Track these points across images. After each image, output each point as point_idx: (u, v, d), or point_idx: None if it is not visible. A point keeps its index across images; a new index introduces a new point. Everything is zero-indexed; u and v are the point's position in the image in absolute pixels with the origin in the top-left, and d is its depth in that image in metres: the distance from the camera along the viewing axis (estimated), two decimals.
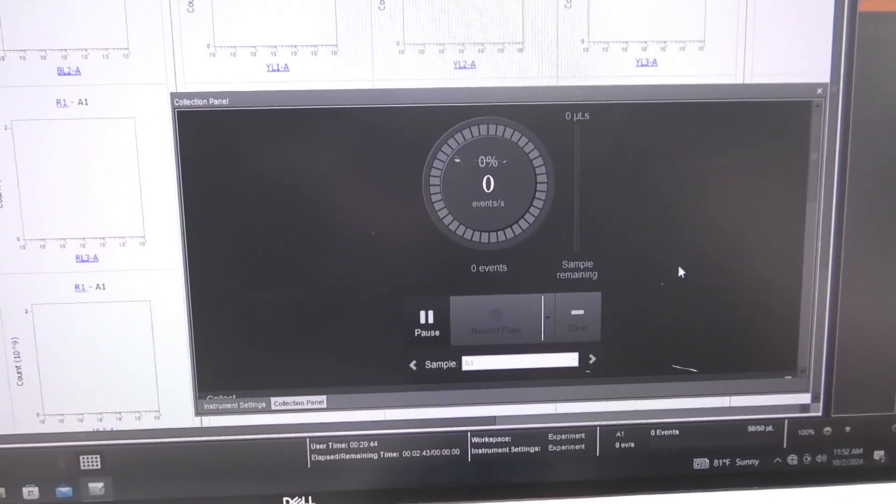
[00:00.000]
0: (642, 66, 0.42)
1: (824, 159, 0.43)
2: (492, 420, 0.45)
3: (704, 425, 0.46)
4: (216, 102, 0.41)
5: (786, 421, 0.46)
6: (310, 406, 0.44)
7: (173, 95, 0.40)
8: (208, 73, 0.40)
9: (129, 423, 0.44)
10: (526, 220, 0.43)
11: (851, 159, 0.43)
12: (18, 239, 0.41)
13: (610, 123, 0.42)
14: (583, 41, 0.41)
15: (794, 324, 0.45)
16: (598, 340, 0.44)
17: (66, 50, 0.40)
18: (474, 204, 0.43)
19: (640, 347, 0.44)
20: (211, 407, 0.44)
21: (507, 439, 0.45)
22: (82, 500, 0.44)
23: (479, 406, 0.45)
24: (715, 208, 0.43)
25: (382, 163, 0.42)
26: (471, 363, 0.44)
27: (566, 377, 0.45)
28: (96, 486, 0.44)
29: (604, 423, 0.45)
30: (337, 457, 0.45)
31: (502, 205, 0.43)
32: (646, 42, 0.42)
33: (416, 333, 0.43)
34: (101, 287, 0.42)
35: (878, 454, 0.47)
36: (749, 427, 0.46)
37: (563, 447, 0.45)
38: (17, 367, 0.43)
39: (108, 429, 0.44)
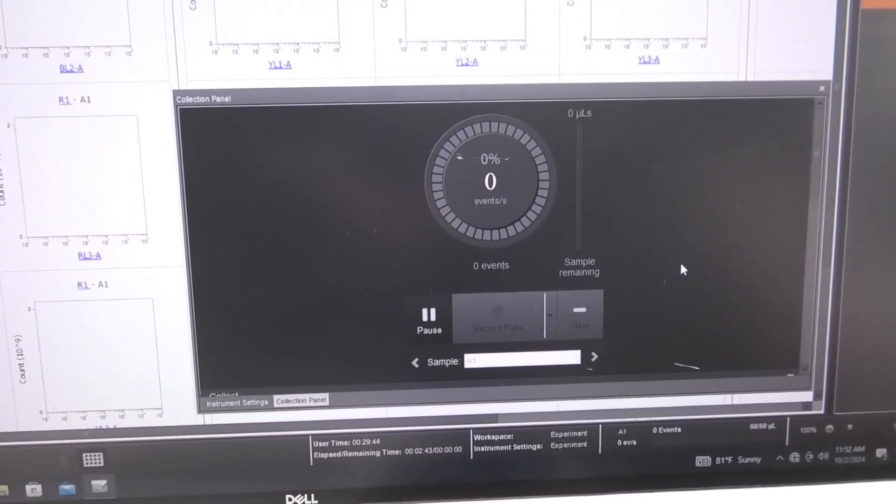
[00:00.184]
0: (645, 63, 0.41)
1: (826, 157, 0.43)
2: (494, 418, 0.45)
3: (706, 423, 0.45)
4: (218, 100, 0.40)
5: (788, 419, 0.46)
6: (312, 404, 0.44)
7: (176, 93, 0.40)
8: (211, 70, 0.40)
9: (131, 421, 0.43)
10: (528, 218, 0.42)
11: (854, 157, 0.43)
12: (21, 236, 0.41)
13: (612, 121, 0.42)
14: (585, 39, 0.41)
15: (796, 321, 0.44)
16: (600, 338, 0.44)
17: (68, 47, 0.39)
18: (476, 201, 0.42)
19: (643, 345, 0.44)
20: (214, 405, 0.43)
21: (509, 437, 0.45)
22: (85, 498, 0.44)
23: (482, 404, 0.44)
24: (717, 206, 0.43)
25: (385, 160, 0.41)
26: (473, 361, 0.44)
27: (568, 375, 0.44)
28: (99, 484, 0.44)
29: (606, 420, 0.45)
30: (339, 454, 0.44)
31: (504, 202, 0.42)
32: (648, 40, 0.41)
33: (418, 331, 0.43)
34: (104, 285, 0.42)
35: (881, 452, 0.46)
36: (751, 425, 0.45)
37: (566, 445, 0.45)
38: (20, 365, 0.42)
39: (111, 426, 0.43)
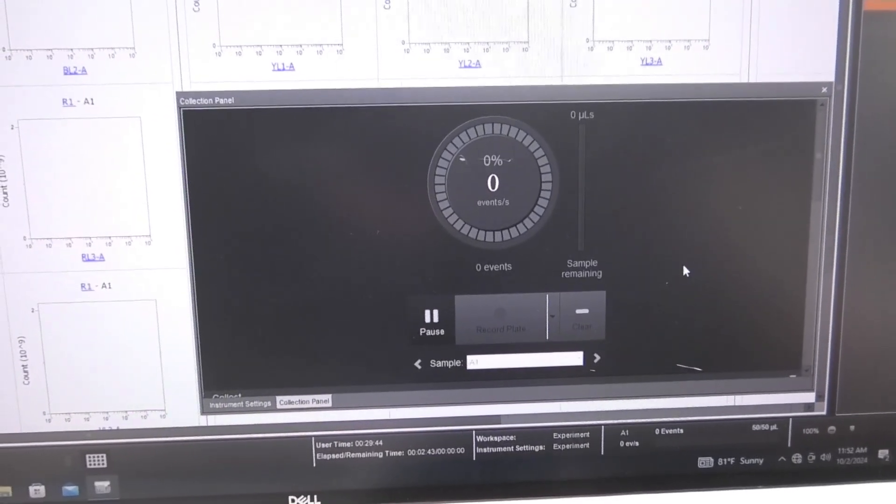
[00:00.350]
0: (647, 65, 0.41)
1: (829, 158, 0.42)
2: (497, 419, 0.44)
3: (709, 424, 0.45)
4: (222, 102, 0.40)
5: (790, 420, 0.45)
6: (315, 405, 0.43)
7: (179, 95, 0.40)
8: (214, 72, 0.40)
9: (135, 422, 0.43)
10: (531, 219, 0.42)
11: (856, 158, 0.42)
12: (25, 238, 0.41)
13: (615, 122, 0.41)
14: (588, 40, 0.40)
15: (799, 323, 0.44)
16: (602, 339, 0.43)
17: (72, 49, 0.39)
18: (479, 203, 0.42)
19: (645, 346, 0.44)
20: (217, 406, 0.43)
21: (511, 438, 0.44)
22: (88, 499, 0.44)
23: (484, 405, 0.44)
24: (720, 207, 0.42)
25: (387, 162, 0.41)
26: (476, 362, 0.43)
27: (571, 376, 0.44)
28: (102, 485, 0.43)
29: (608, 421, 0.45)
30: (342, 455, 0.44)
31: (507, 204, 0.42)
32: (650, 41, 0.41)
33: (421, 332, 0.43)
34: (108, 286, 0.41)
35: (883, 453, 0.46)
36: (753, 426, 0.45)
37: (568, 446, 0.45)
38: (24, 366, 0.42)
39: (114, 427, 0.43)
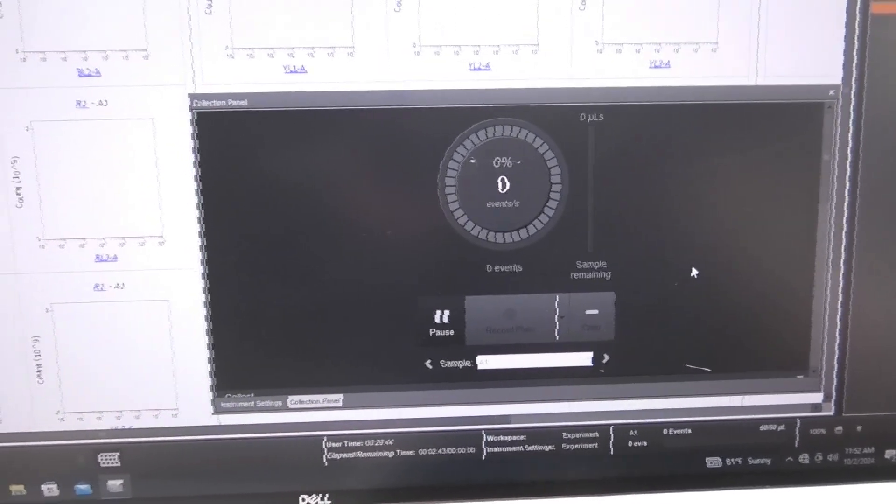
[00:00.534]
0: (656, 67, 0.41)
1: (836, 160, 0.42)
2: (506, 419, 0.44)
3: (717, 424, 0.45)
4: (234, 104, 0.40)
5: (798, 420, 0.45)
6: (326, 405, 0.43)
7: (192, 97, 0.39)
8: (226, 74, 0.39)
9: (147, 422, 0.43)
10: (540, 221, 0.42)
11: (863, 160, 0.42)
12: (38, 238, 0.41)
13: (624, 124, 0.41)
14: (597, 43, 0.40)
15: (806, 323, 0.44)
16: (611, 340, 0.43)
17: (85, 51, 0.39)
18: (489, 204, 0.42)
19: (654, 347, 0.43)
20: (228, 405, 0.43)
21: (521, 438, 0.44)
22: (101, 498, 0.43)
23: (494, 405, 0.44)
24: (728, 209, 0.42)
25: (398, 164, 0.41)
26: (486, 362, 0.43)
27: (580, 376, 0.44)
28: (115, 484, 0.43)
29: (617, 421, 0.44)
30: (353, 455, 0.44)
31: (517, 205, 0.42)
32: (659, 44, 0.40)
33: (431, 333, 0.42)
34: (121, 286, 0.41)
35: (890, 453, 0.46)
36: (761, 426, 0.45)
37: (577, 446, 0.44)
38: (37, 366, 0.42)
39: (127, 427, 0.43)
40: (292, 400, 0.43)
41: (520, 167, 0.41)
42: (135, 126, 0.40)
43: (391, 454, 0.44)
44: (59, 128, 0.39)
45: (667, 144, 0.41)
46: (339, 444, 0.44)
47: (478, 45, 0.40)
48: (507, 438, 0.44)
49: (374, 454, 0.44)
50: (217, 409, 0.43)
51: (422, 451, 0.44)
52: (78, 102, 0.39)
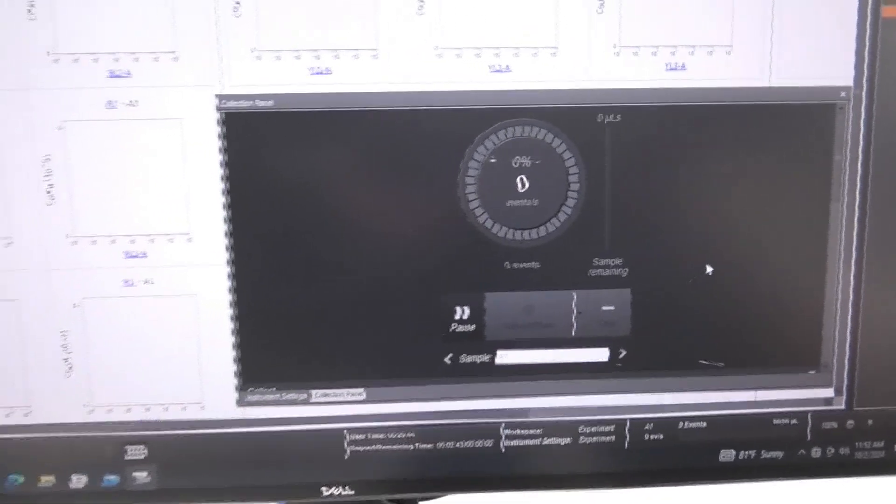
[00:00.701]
0: (672, 69, 0.41)
1: (847, 160, 0.42)
2: (524, 412, 0.44)
3: (730, 418, 0.45)
4: (261, 104, 0.40)
5: (809, 414, 0.45)
6: (348, 398, 0.43)
7: (219, 97, 0.40)
8: (253, 75, 0.40)
9: (173, 414, 0.43)
10: (558, 219, 0.42)
11: (874, 160, 0.42)
12: (69, 236, 0.41)
13: (640, 125, 0.41)
14: (614, 45, 0.41)
15: (818, 320, 0.44)
16: (627, 335, 0.44)
17: (116, 53, 0.39)
18: (509, 203, 0.42)
19: (669, 342, 0.44)
20: (253, 399, 0.43)
21: (539, 431, 0.45)
22: (127, 488, 0.44)
23: (512, 399, 0.44)
24: (741, 208, 0.43)
25: (420, 163, 0.41)
26: (504, 357, 0.43)
27: (596, 371, 0.44)
28: (141, 475, 0.44)
29: (633, 415, 0.45)
30: (374, 447, 0.44)
31: (536, 204, 0.42)
32: (675, 47, 0.41)
33: (451, 328, 0.43)
34: (149, 282, 0.42)
35: None
36: (774, 420, 0.45)
37: (594, 439, 0.45)
38: (67, 360, 0.42)
39: (154, 419, 0.43)
40: (315, 393, 0.43)
41: (538, 167, 0.42)
42: (163, 126, 0.40)
43: (411, 447, 0.44)
44: (90, 127, 0.40)
45: (682, 145, 0.42)
46: (360, 437, 0.44)
47: (498, 48, 0.40)
48: (525, 432, 0.45)
49: (395, 447, 0.44)
50: (242, 403, 0.43)
51: (441, 444, 0.44)
52: (108, 103, 0.40)
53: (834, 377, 0.45)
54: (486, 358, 0.43)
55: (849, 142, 0.42)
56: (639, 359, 0.44)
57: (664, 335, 0.44)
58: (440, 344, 0.43)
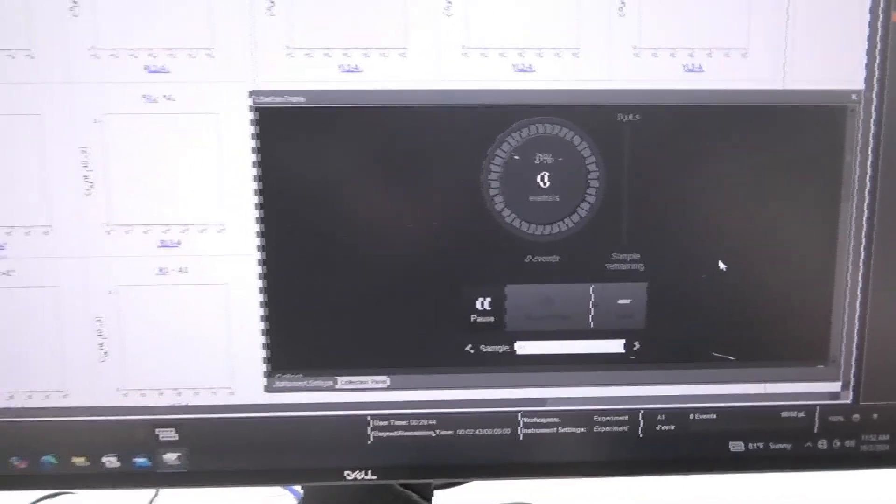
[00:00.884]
0: (689, 71, 0.42)
1: (857, 161, 0.43)
2: (542, 402, 0.45)
3: (740, 410, 0.46)
4: (292, 100, 0.41)
5: (817, 407, 0.46)
6: (372, 385, 0.44)
7: (253, 93, 0.41)
8: (285, 72, 0.41)
9: (204, 399, 0.44)
10: (578, 214, 0.43)
11: (883, 161, 0.43)
12: (105, 224, 0.42)
13: (658, 125, 0.42)
14: (634, 47, 0.42)
15: (827, 316, 0.45)
16: (642, 328, 0.44)
17: (154, 49, 0.40)
18: (530, 198, 0.43)
19: (683, 335, 0.45)
20: (281, 385, 0.44)
21: (556, 420, 0.45)
22: (158, 470, 0.45)
23: (531, 388, 0.45)
24: (754, 206, 0.43)
25: (445, 159, 0.42)
26: (524, 348, 0.44)
27: (612, 362, 0.45)
28: (172, 457, 0.44)
29: (646, 406, 0.45)
30: (396, 434, 0.45)
31: (556, 199, 0.43)
32: (693, 49, 0.42)
33: (473, 319, 0.44)
34: (182, 271, 0.42)
35: None
36: (782, 413, 0.46)
37: (608, 428, 0.45)
38: (102, 345, 0.43)
39: (185, 403, 0.44)
40: (340, 380, 0.44)
41: (559, 163, 0.42)
42: (199, 120, 0.41)
43: (433, 433, 0.45)
44: (128, 121, 0.41)
45: (698, 144, 0.43)
46: (383, 423, 0.45)
47: (522, 48, 0.41)
48: (543, 420, 0.45)
49: (417, 433, 0.45)
50: (270, 388, 0.44)
51: (461, 431, 0.45)
52: (146, 97, 0.41)
53: (841, 372, 0.45)
54: (506, 348, 0.44)
55: (859, 143, 0.43)
56: (653, 351, 0.45)
57: (678, 328, 0.44)
58: (462, 334, 0.44)
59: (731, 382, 0.45)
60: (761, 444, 0.46)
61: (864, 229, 0.44)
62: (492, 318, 0.44)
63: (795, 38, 0.42)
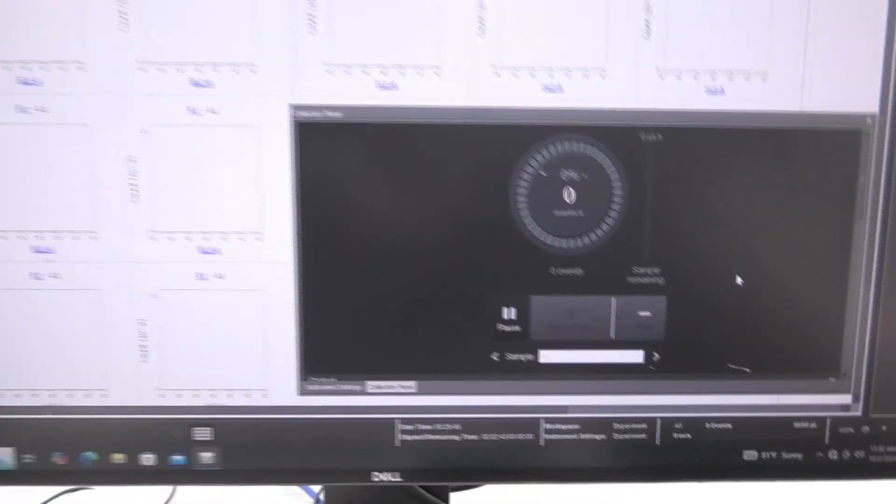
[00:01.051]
0: (711, 93, 0.43)
1: (871, 182, 0.44)
2: (563, 409, 0.46)
3: (755, 420, 0.47)
4: (331, 115, 0.42)
5: (828, 419, 0.47)
6: (401, 390, 0.45)
7: (294, 107, 0.42)
8: (325, 88, 0.42)
9: (239, 400, 0.45)
10: (601, 229, 0.44)
11: None
12: (149, 231, 0.43)
13: (680, 145, 0.43)
14: (658, 69, 0.43)
15: (839, 331, 0.46)
16: (661, 340, 0.45)
17: (200, 63, 0.42)
18: (556, 213, 0.44)
19: (700, 347, 0.46)
20: (313, 388, 0.45)
21: (576, 427, 0.46)
22: (193, 468, 0.46)
23: (553, 396, 0.46)
24: (771, 224, 0.44)
25: (475, 173, 0.43)
26: (547, 356, 0.45)
27: (632, 372, 0.46)
28: (207, 455, 0.45)
29: (664, 415, 0.46)
30: (423, 437, 0.46)
31: (581, 214, 0.44)
32: (715, 71, 0.43)
33: (499, 328, 0.45)
34: (221, 276, 0.44)
35: None
36: (795, 423, 0.47)
37: (627, 436, 0.46)
38: (143, 346, 0.44)
39: (220, 404, 0.45)
40: (370, 385, 0.45)
41: (585, 180, 0.44)
42: (241, 132, 0.42)
43: (458, 437, 0.46)
44: (173, 132, 0.42)
45: (718, 164, 0.44)
46: (410, 427, 0.46)
47: (551, 69, 0.42)
48: (563, 427, 0.46)
49: (443, 437, 0.46)
50: (302, 391, 0.45)
51: (485, 436, 0.46)
52: (191, 109, 0.42)
53: (852, 385, 0.46)
54: (530, 356, 0.45)
55: (872, 165, 0.44)
56: (671, 362, 0.46)
57: (696, 340, 0.45)
58: (488, 342, 0.45)
59: (745, 393, 0.46)
60: (774, 454, 0.47)
61: (875, 248, 0.45)
62: (517, 328, 0.45)
63: (814, 62, 0.43)
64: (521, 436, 0.46)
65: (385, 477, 0.46)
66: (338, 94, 0.42)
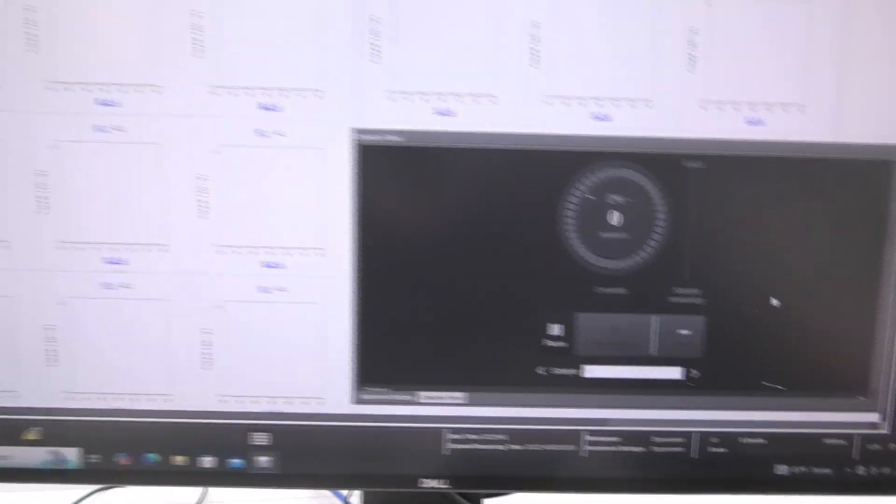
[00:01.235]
0: (751, 123, 0.45)
1: None
2: (605, 421, 0.47)
3: (787, 436, 0.48)
4: (391, 139, 0.44)
5: (856, 436, 0.48)
6: (450, 401, 0.47)
7: (357, 131, 0.44)
8: (386, 113, 0.44)
9: (297, 407, 0.47)
10: (645, 251, 0.46)
11: None
12: (215, 244, 0.45)
13: (721, 172, 0.45)
14: (701, 100, 0.44)
15: (868, 352, 0.47)
16: (700, 357, 0.47)
17: (268, 88, 0.43)
18: (601, 234, 0.45)
19: (736, 365, 0.47)
20: (367, 397, 0.47)
21: (617, 439, 0.48)
22: (251, 471, 0.47)
23: (595, 409, 0.47)
24: (805, 248, 0.46)
25: (526, 196, 0.45)
26: (590, 371, 0.47)
27: (671, 388, 0.47)
28: (264, 460, 0.47)
29: (701, 429, 0.48)
30: (470, 446, 0.47)
31: (625, 236, 0.45)
32: (755, 103, 0.44)
33: (545, 343, 0.46)
34: (283, 289, 0.45)
35: None
36: (824, 439, 0.48)
37: (665, 448, 0.48)
38: (206, 354, 0.46)
39: (279, 411, 0.47)
40: (421, 395, 0.47)
41: (630, 204, 0.45)
42: (306, 153, 0.44)
43: (503, 447, 0.47)
44: (240, 152, 0.44)
45: (757, 191, 0.45)
46: (458, 437, 0.47)
47: (600, 99, 0.44)
48: (605, 439, 0.48)
49: (489, 447, 0.47)
50: (357, 400, 0.47)
51: (530, 446, 0.47)
52: (258, 131, 0.44)
53: (880, 403, 0.48)
54: (574, 371, 0.47)
55: None
56: (709, 379, 0.47)
57: (732, 359, 0.47)
58: (534, 357, 0.46)
59: (778, 410, 0.48)
60: (804, 468, 0.48)
61: None
62: (563, 343, 0.46)
63: (848, 96, 0.45)
64: (563, 447, 0.48)
65: (432, 483, 0.48)
66: (398, 118, 0.44)
